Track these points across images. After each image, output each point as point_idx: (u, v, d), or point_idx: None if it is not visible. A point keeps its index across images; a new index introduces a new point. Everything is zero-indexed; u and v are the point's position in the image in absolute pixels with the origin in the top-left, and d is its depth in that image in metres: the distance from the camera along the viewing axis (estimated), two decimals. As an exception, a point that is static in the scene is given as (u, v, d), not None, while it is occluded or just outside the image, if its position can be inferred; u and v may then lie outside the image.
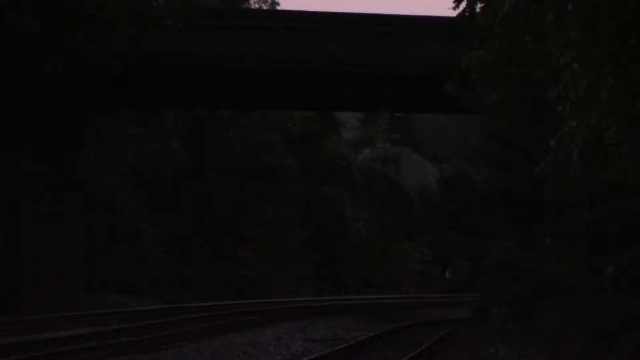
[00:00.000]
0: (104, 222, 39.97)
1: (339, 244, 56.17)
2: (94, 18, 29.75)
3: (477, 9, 16.47)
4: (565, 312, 20.46)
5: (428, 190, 70.77)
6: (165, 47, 30.68)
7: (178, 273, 43.33)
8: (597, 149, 10.96)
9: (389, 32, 32.34)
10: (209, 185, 48.41)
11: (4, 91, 30.61)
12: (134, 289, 39.17)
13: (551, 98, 10.94)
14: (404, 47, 32.13)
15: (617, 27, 9.96)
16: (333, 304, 42.48)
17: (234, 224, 48.61)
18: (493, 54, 21.92)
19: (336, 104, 43.42)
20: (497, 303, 25.52)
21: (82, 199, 36.00)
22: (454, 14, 18.42)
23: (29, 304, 30.70)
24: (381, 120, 73.93)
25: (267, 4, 53.72)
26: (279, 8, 53.12)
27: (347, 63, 32.23)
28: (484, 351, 21.22)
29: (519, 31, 10.87)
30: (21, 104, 31.23)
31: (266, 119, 52.34)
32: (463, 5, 17.83)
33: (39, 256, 32.48)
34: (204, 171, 48.81)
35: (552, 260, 23.54)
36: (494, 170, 29.21)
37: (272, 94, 36.79)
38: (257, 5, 53.47)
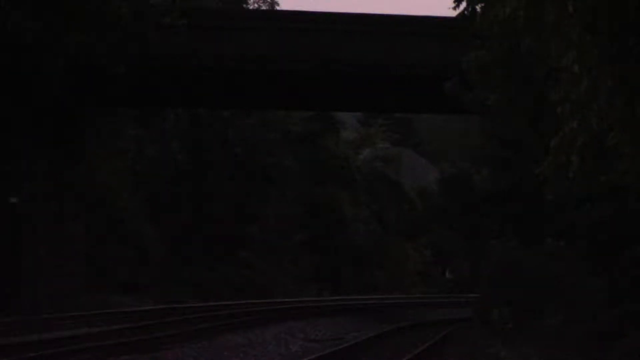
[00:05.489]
0: (104, 222, 39.96)
1: (339, 244, 56.14)
2: (94, 17, 29.72)
3: (478, 9, 16.50)
4: (565, 312, 20.47)
5: (428, 190, 70.79)
6: (165, 47, 30.68)
7: (178, 273, 43.32)
8: (597, 150, 10.96)
9: (389, 32, 32.30)
10: (209, 185, 48.39)
11: (4, 91, 30.60)
12: (134, 289, 39.16)
13: (551, 99, 10.94)
14: (404, 47, 32.09)
15: (617, 28, 9.95)
16: (333, 304, 42.48)
17: (234, 224, 48.60)
18: (493, 54, 21.93)
19: (336, 104, 43.39)
20: (497, 303, 25.54)
21: (82, 198, 35.98)
22: (454, 14, 18.47)
23: (29, 304, 30.68)
24: (381, 120, 73.94)
25: (267, 4, 53.76)
26: (278, 8, 53.16)
27: (347, 63, 32.20)
28: (484, 351, 21.25)
29: (519, 32, 10.87)
30: (21, 104, 31.21)
31: (266, 119, 52.34)
32: (463, 5, 17.87)
33: (39, 256, 32.46)
34: (204, 171, 48.80)
35: (552, 260, 23.55)
36: (494, 170, 29.20)
37: (272, 94, 36.77)
38: (256, 5, 53.52)
